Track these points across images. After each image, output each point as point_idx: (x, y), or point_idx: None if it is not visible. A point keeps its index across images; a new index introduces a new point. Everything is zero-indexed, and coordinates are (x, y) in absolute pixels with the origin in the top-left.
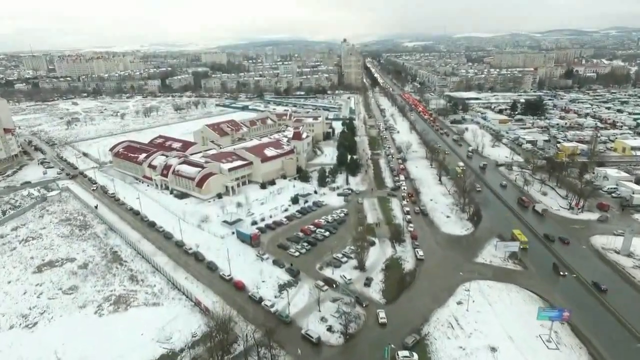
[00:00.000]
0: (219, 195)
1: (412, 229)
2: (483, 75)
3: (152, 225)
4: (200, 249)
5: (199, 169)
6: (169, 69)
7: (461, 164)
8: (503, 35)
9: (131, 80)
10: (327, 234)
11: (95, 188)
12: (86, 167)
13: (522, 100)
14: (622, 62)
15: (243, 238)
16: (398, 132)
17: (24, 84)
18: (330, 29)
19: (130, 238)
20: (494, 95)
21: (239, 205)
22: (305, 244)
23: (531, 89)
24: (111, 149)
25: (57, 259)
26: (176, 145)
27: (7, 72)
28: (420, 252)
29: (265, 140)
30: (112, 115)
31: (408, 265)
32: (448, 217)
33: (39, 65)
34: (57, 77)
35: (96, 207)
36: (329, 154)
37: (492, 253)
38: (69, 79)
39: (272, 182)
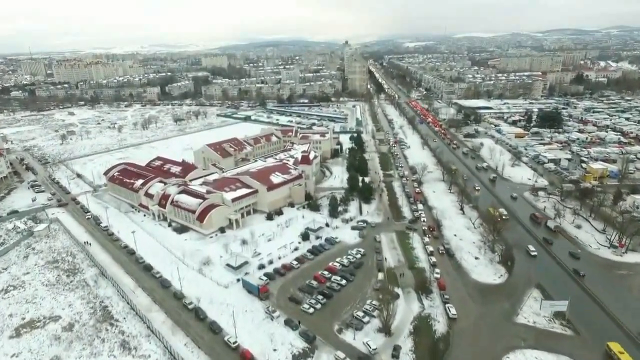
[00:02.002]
0: (222, 230)
1: (438, 276)
2: (491, 82)
3: (148, 269)
4: (202, 303)
5: (200, 200)
6: (169, 73)
7: (503, 211)
8: (504, 35)
9: (130, 87)
10: (343, 282)
11: (89, 217)
12: (79, 192)
13: (535, 110)
14: (628, 64)
15: (250, 289)
16: (409, 147)
17: (21, 91)
18: (330, 29)
19: (123, 287)
20: (505, 104)
21: (243, 242)
22: (320, 297)
23: (542, 96)
24: (105, 173)
25: (40, 317)
26: (175, 169)
27: (5, 78)
28: (453, 310)
29: (270, 162)
30: (110, 127)
31: (439, 326)
32: (477, 258)
33: (37, 70)
34: (54, 83)
35: (89, 244)
36: (338, 175)
37: (534, 310)
38: (66, 85)
39: (279, 212)
